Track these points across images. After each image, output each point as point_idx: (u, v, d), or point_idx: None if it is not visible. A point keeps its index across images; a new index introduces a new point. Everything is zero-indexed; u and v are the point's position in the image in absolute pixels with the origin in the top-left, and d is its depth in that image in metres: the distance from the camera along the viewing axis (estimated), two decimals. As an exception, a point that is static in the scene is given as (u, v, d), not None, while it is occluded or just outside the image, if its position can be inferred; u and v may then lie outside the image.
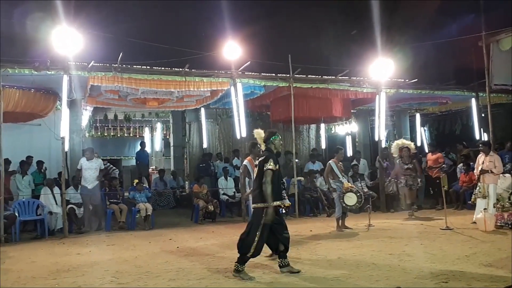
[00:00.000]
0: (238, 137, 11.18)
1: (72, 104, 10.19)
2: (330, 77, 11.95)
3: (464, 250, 6.66)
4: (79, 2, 11.41)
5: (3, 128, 8.82)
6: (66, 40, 8.88)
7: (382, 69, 11.42)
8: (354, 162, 12.65)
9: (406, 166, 10.42)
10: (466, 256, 6.22)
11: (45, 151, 11.96)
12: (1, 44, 10.70)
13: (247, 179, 8.70)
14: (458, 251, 6.57)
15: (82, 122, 12.45)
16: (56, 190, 9.72)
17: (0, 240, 8.39)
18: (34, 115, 10.76)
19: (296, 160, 12.28)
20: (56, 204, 9.51)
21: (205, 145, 14.61)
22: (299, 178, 11.83)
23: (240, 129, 10.98)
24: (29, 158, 11.15)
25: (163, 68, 10.39)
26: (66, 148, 9.68)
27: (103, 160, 14.96)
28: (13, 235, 8.78)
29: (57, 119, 10.24)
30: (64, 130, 9.47)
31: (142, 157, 15.56)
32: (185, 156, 15.23)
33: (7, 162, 10.01)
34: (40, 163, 11.33)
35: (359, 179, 11.32)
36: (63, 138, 9.46)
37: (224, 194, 11.84)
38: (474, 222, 8.75)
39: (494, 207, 8.45)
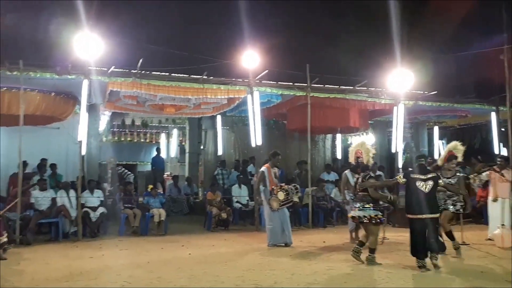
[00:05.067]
0: (253, 145, 11.16)
1: (91, 108, 10.32)
2: (348, 87, 11.87)
3: (480, 266, 6.54)
4: (101, 8, 11.62)
5: (22, 131, 8.95)
6: (87, 45, 8.99)
7: (401, 81, 11.30)
8: (377, 173, 12.55)
9: (447, 181, 7.50)
10: (482, 272, 6.10)
11: (63, 155, 12.08)
12: (25, 48, 10.94)
13: (262, 187, 8.71)
14: (474, 267, 6.45)
15: (100, 126, 12.57)
16: (72, 193, 9.82)
17: (15, 241, 8.49)
18: (53, 118, 10.90)
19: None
20: (71, 207, 9.61)
21: (220, 153, 14.63)
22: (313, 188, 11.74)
23: (256, 138, 10.97)
24: (44, 160, 11.25)
25: (181, 75, 10.45)
26: (84, 152, 9.77)
27: (118, 165, 15.10)
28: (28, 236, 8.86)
29: (76, 123, 10.35)
30: (82, 134, 9.57)
31: (158, 162, 15.64)
32: (200, 163, 15.26)
33: (24, 164, 10.15)
34: (53, 166, 11.44)
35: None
36: (80, 142, 9.56)
37: (237, 202, 11.82)
38: (489, 239, 8.59)
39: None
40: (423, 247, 6.24)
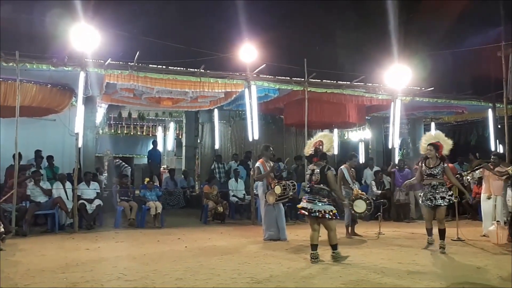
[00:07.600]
0: (250, 139, 11.16)
1: (87, 100, 10.28)
2: (346, 82, 11.88)
3: (475, 262, 6.55)
4: (98, 0, 11.56)
5: (18, 122, 8.91)
6: (84, 37, 8.96)
7: (398, 77, 11.31)
8: (375, 168, 12.64)
9: (429, 171, 7.39)
10: (477, 268, 6.12)
11: (59, 147, 12.06)
12: (21, 40, 10.87)
13: (260, 182, 8.73)
14: (469, 263, 6.47)
15: (97, 119, 12.53)
16: (68, 185, 9.81)
17: (11, 232, 8.48)
18: (49, 110, 10.87)
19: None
20: (68, 199, 9.60)
21: (217, 146, 14.62)
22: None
23: (253, 132, 10.97)
24: (38, 152, 11.21)
25: (178, 68, 10.44)
26: (80, 144, 9.76)
27: (115, 157, 15.07)
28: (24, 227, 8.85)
29: (72, 115, 10.33)
30: (79, 126, 9.55)
31: (154, 156, 15.63)
32: (197, 157, 15.26)
33: (20, 156, 10.10)
34: (50, 158, 11.41)
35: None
36: (77, 134, 9.54)
37: (234, 196, 11.83)
38: (484, 235, 8.63)
39: (506, 219, 8.33)
40: None
